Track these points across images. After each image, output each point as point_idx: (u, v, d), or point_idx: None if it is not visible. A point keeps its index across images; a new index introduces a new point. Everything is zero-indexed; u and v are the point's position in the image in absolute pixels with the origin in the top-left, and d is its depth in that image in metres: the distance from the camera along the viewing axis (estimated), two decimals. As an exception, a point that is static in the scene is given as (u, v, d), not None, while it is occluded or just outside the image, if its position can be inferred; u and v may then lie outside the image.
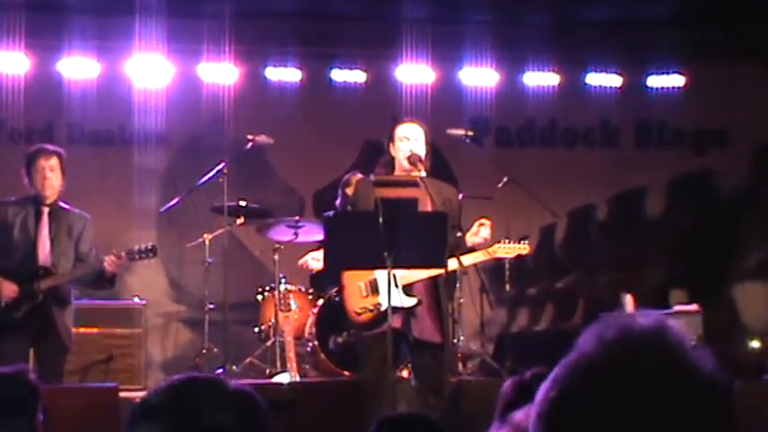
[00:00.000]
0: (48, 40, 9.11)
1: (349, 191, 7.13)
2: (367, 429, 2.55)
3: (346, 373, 7.40)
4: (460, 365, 8.04)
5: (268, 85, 9.60)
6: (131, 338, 8.21)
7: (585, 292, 10.02)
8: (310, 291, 7.99)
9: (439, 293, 5.86)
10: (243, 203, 8.14)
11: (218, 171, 7.99)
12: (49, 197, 6.50)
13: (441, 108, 9.16)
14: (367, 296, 5.87)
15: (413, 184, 5.90)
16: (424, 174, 5.96)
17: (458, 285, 7.88)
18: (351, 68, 9.73)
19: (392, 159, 6.04)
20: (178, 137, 9.55)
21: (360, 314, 5.86)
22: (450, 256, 5.57)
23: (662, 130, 10.33)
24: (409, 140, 5.98)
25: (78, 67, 9.15)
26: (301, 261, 7.02)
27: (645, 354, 1.25)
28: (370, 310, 5.82)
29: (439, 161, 7.06)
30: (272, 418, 1.70)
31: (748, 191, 10.22)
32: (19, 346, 6.27)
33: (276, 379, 7.28)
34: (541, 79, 9.93)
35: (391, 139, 6.04)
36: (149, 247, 6.57)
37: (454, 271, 5.95)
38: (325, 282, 7.71)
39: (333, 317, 7.38)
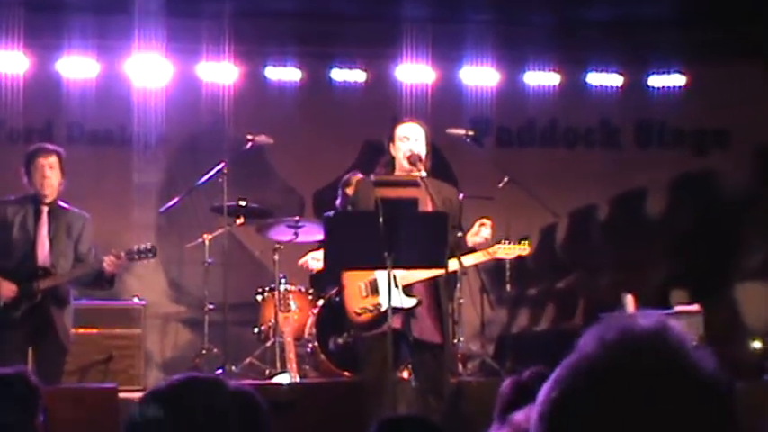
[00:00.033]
0: (47, 39, 9.09)
1: (349, 191, 7.13)
2: (367, 430, 2.54)
3: (346, 373, 7.38)
4: (461, 366, 8.02)
5: (268, 85, 9.59)
6: (131, 339, 8.20)
7: (586, 293, 10.01)
8: (310, 291, 7.98)
9: (439, 294, 5.85)
10: (243, 203, 8.13)
11: (217, 171, 7.98)
12: (49, 196, 6.48)
13: (441, 108, 9.15)
14: (367, 296, 5.86)
15: (413, 184, 5.89)
16: (424, 174, 5.94)
17: (458, 286, 7.86)
18: (350, 68, 9.72)
19: (392, 159, 6.04)
20: (177, 137, 9.53)
21: (360, 314, 5.85)
22: (450, 257, 5.56)
23: (663, 130, 10.32)
24: (409, 140, 5.97)
25: (77, 67, 9.14)
26: (301, 261, 7.00)
27: (646, 354, 1.25)
28: (370, 311, 5.81)
29: (439, 161, 7.05)
30: (272, 418, 1.69)
31: (749, 191, 10.21)
32: (17, 346, 6.26)
33: (276, 379, 7.27)
34: (542, 79, 9.93)
35: (391, 138, 6.03)
36: (149, 248, 6.56)
37: (455, 271, 5.94)
38: (325, 282, 7.70)
39: (333, 317, 7.36)
